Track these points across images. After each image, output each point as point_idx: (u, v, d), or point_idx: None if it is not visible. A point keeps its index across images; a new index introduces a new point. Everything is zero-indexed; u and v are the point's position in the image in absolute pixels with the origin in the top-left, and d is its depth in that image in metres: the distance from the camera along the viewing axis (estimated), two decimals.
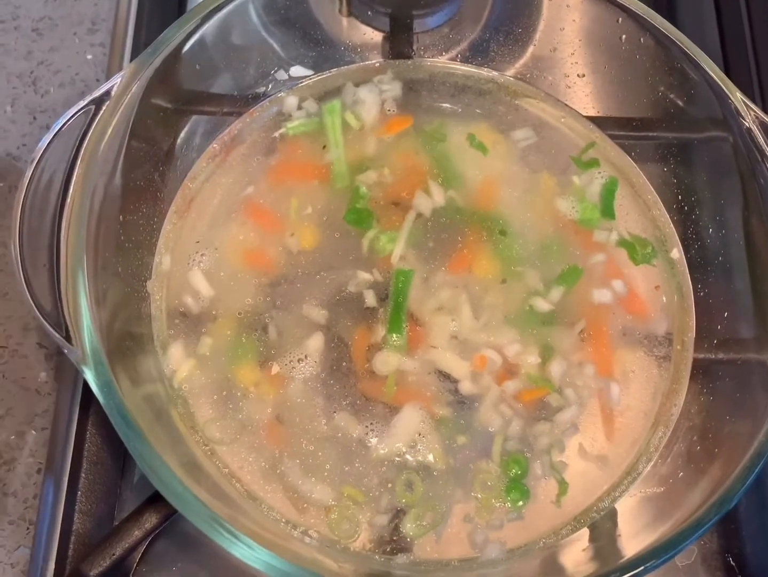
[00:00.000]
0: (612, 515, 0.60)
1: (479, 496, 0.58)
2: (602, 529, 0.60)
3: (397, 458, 0.59)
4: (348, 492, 0.57)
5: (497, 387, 0.61)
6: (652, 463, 0.61)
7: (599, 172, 0.69)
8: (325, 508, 0.57)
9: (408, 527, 0.57)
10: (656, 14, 0.62)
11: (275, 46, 0.71)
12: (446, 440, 0.59)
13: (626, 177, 0.69)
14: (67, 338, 0.50)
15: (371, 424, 0.59)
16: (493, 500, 0.58)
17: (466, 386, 0.60)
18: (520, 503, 0.59)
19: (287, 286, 0.63)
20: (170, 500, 0.47)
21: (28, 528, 0.66)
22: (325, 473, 0.57)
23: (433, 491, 0.58)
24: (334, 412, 0.59)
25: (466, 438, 0.59)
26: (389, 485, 0.58)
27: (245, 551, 0.47)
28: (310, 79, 0.72)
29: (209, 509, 0.47)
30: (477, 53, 0.73)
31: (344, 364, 0.60)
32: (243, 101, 0.70)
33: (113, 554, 0.59)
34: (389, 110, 0.70)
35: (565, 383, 0.62)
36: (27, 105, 0.81)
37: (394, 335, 0.61)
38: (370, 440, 0.59)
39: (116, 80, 0.58)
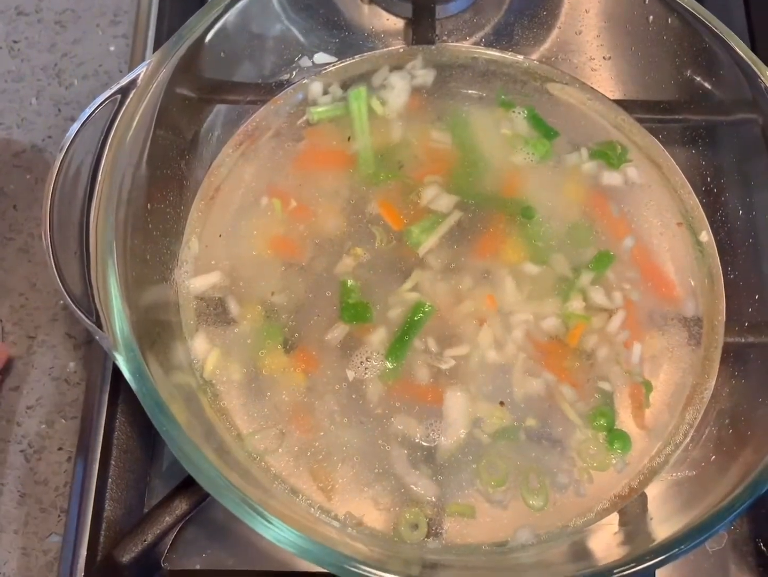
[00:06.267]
0: (642, 499, 0.60)
1: (587, 463, 0.59)
2: (632, 513, 0.59)
3: (468, 444, 0.59)
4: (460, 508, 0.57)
5: (523, 354, 0.61)
6: (683, 447, 0.60)
7: (514, 111, 0.69)
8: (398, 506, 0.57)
9: (531, 503, 0.58)
10: None
11: (298, 33, 0.71)
12: (500, 402, 0.60)
13: (653, 160, 0.69)
14: (98, 324, 0.51)
15: (430, 423, 0.59)
16: (604, 460, 0.59)
17: (491, 355, 0.60)
18: (625, 448, 0.60)
19: (312, 272, 0.63)
20: (203, 484, 0.47)
21: (59, 516, 0.67)
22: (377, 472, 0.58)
23: (522, 462, 0.59)
24: (392, 418, 0.59)
25: (519, 406, 0.60)
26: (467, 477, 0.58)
27: (277, 533, 0.47)
28: (334, 65, 0.71)
29: (241, 492, 0.47)
30: (501, 37, 0.72)
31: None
32: (267, 89, 0.70)
33: (145, 540, 0.59)
34: (415, 96, 0.70)
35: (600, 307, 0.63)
36: (52, 97, 0.82)
37: (388, 362, 0.60)
38: (435, 438, 0.59)
39: (142, 69, 0.58)
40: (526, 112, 0.70)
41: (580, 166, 0.68)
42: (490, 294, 0.62)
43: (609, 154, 0.68)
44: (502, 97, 0.70)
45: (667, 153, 0.69)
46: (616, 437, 0.60)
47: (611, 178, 0.68)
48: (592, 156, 0.68)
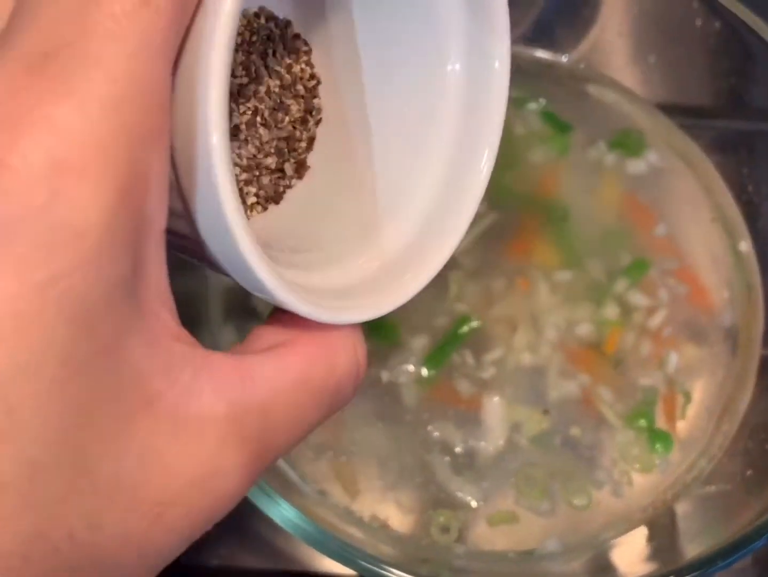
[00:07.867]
0: (671, 513, 0.59)
1: (629, 465, 0.58)
2: (660, 526, 0.58)
3: (508, 450, 0.58)
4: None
5: (559, 357, 0.60)
6: (717, 459, 0.59)
7: (527, 109, 0.68)
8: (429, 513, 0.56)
9: (576, 503, 0.57)
10: None
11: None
12: (544, 410, 0.58)
13: (693, 166, 0.67)
14: None
15: (468, 429, 0.58)
16: (648, 460, 0.58)
17: (526, 359, 0.59)
18: (667, 449, 0.58)
19: None
20: None
21: None
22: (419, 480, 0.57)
23: (562, 465, 0.57)
24: (428, 424, 0.58)
25: (555, 411, 0.58)
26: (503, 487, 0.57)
27: (307, 533, 0.47)
28: None
29: (267, 484, 0.47)
30: (540, 35, 0.71)
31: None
32: None
33: None
34: None
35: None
36: None
37: (425, 368, 0.59)
38: (473, 444, 0.58)
39: None
40: (539, 108, 0.68)
41: (602, 159, 0.67)
42: (524, 292, 0.61)
43: (627, 143, 0.67)
44: (520, 95, 0.69)
45: (706, 158, 0.67)
46: (658, 437, 0.59)
47: (634, 166, 0.67)
48: (611, 147, 0.67)
